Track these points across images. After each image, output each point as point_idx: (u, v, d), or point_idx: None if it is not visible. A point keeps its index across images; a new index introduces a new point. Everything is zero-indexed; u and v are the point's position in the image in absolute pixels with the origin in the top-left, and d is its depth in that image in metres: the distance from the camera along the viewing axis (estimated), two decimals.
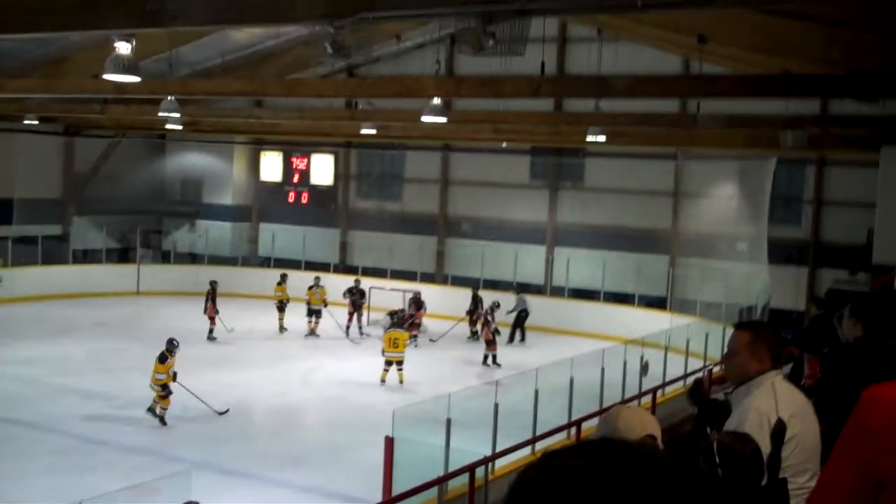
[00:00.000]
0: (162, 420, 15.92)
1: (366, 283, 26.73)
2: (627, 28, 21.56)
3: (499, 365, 22.13)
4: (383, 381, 19.70)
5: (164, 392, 15.93)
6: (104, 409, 16.99)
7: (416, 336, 23.78)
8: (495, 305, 23.53)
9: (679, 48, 21.24)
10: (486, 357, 22.55)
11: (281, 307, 25.58)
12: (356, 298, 25.53)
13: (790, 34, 12.35)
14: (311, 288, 25.26)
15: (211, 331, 23.81)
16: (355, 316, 25.51)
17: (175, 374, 16.05)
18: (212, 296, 24.09)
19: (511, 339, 25.02)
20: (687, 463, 1.34)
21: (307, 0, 6.87)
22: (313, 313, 25.04)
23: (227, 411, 16.51)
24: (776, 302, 23.00)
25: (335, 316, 24.96)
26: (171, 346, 16.27)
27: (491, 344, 22.54)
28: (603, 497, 1.21)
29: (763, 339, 4.25)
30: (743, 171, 24.96)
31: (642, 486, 1.22)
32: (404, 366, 19.72)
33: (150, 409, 15.98)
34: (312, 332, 24.99)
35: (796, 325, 17.42)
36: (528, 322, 25.63)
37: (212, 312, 23.92)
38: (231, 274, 30.34)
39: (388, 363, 19.72)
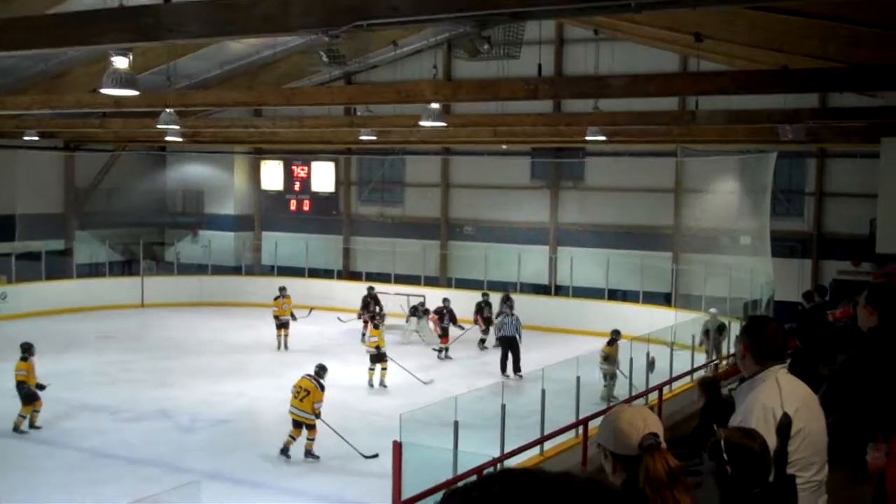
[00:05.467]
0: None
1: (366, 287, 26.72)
2: (624, 28, 21.57)
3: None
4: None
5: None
6: (112, 422, 17.01)
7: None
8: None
9: (676, 46, 21.24)
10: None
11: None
12: (370, 306, 25.41)
13: (787, 30, 12.36)
14: (277, 298, 24.65)
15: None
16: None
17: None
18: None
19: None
20: (586, 486, 1.37)
21: (302, 10, 6.87)
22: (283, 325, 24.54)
23: (376, 455, 14.66)
24: (780, 295, 22.97)
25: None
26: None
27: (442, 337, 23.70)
28: None
29: (765, 336, 4.24)
30: (744, 166, 24.94)
31: None
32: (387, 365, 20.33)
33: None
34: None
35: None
36: (533, 321, 25.50)
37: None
38: (235, 284, 30.37)
39: None
